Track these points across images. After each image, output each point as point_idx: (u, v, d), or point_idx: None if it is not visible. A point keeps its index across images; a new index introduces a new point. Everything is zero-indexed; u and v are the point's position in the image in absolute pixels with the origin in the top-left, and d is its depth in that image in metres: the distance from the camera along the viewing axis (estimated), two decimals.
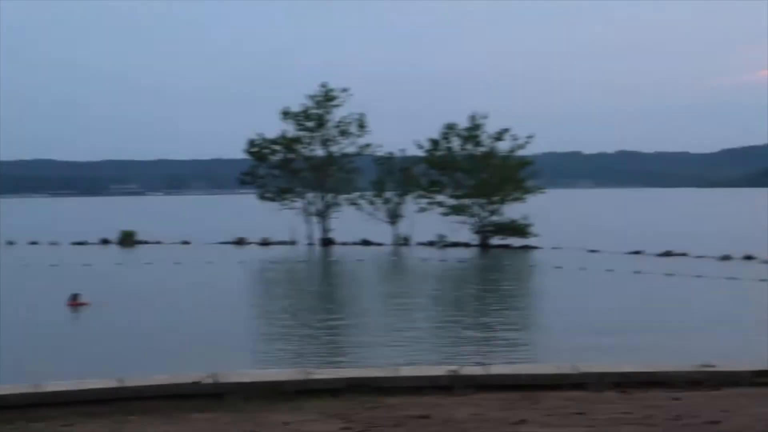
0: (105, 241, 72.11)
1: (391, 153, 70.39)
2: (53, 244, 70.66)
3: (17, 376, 16.14)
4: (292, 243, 68.43)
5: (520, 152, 67.11)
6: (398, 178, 69.20)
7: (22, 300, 35.63)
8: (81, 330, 29.16)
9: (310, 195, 70.82)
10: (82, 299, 33.02)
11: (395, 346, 23.68)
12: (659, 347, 22.52)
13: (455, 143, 67.12)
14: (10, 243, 71.58)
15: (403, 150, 70.51)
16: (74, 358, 22.02)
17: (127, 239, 71.48)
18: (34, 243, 71.61)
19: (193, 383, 10.60)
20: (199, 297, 36.16)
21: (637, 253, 52.83)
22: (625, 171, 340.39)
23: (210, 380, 10.67)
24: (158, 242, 70.56)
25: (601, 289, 38.41)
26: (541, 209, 64.55)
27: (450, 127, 67.21)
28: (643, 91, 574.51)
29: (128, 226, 74.12)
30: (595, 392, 10.41)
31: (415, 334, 25.94)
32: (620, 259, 49.53)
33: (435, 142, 67.21)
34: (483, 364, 12.46)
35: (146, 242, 71.04)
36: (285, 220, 68.69)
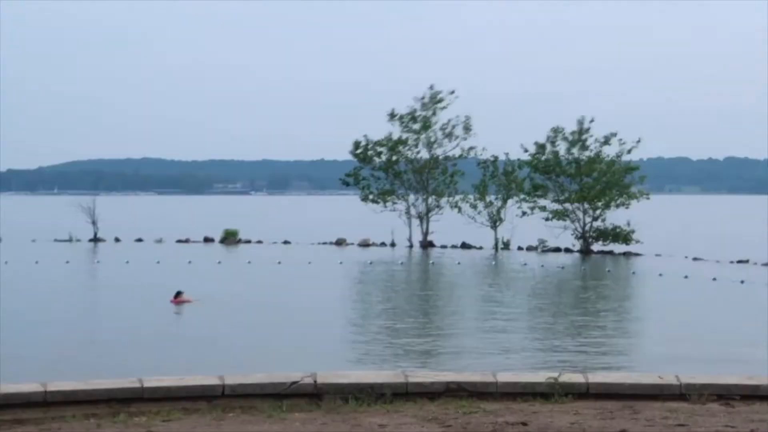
0: (208, 240, 73.27)
1: (495, 156, 70.14)
2: (158, 241, 72.02)
3: (120, 370, 16.45)
4: (392, 245, 68.68)
5: (627, 157, 66.32)
6: (501, 181, 68.86)
7: (127, 296, 36.39)
8: (183, 327, 29.67)
9: (412, 197, 70.90)
10: (185, 296, 33.62)
11: (492, 351, 23.59)
12: (764, 361, 22.01)
13: (561, 147, 66.45)
14: (117, 240, 73.17)
15: (507, 153, 70.22)
16: (176, 354, 22.41)
17: (230, 238, 72.50)
18: (139, 240, 73.06)
19: (292, 383, 10.72)
20: (298, 296, 36.50)
21: (743, 262, 51.75)
22: (734, 177, 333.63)
23: (309, 380, 10.78)
24: (259, 241, 71.47)
25: (704, 298, 37.72)
26: (645, 215, 63.62)
27: (557, 131, 66.53)
28: (754, 92, 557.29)
29: (231, 225, 75.15)
30: (698, 404, 10.24)
31: (512, 339, 25.81)
32: (725, 268, 48.61)
33: (541, 146, 66.57)
34: (582, 372, 12.35)
35: (248, 241, 72.01)
36: (386, 222, 68.91)
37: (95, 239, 73.01)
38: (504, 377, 11.00)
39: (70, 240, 72.09)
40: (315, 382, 10.75)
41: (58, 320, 29.19)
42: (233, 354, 22.21)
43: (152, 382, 10.90)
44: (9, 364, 20.68)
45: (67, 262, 52.65)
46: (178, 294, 33.72)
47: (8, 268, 48.71)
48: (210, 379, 11.02)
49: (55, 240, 71.63)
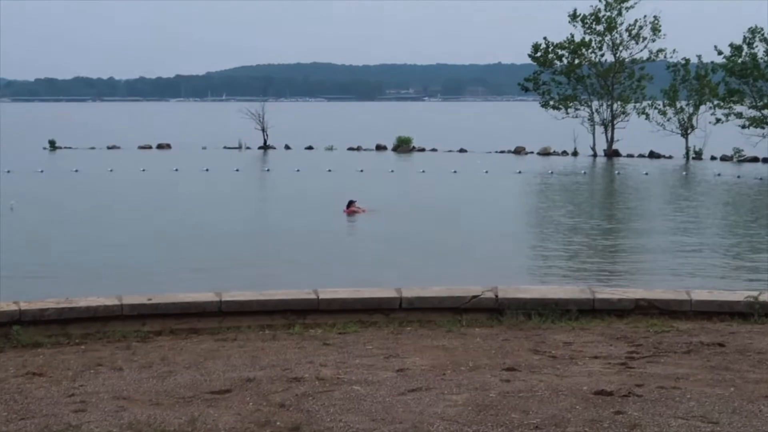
0: (380, 147, 73.85)
1: (686, 59, 68.26)
2: (329, 149, 73.05)
3: (294, 281, 16.84)
4: (574, 154, 67.90)
5: None
6: (693, 86, 67.06)
7: (298, 205, 37.04)
8: (355, 237, 30.07)
9: (595, 103, 69.87)
10: (358, 206, 34.02)
11: (682, 269, 23.15)
12: None
13: (760, 49, 64.10)
14: (287, 147, 74.51)
15: (699, 56, 68.24)
16: (350, 266, 22.75)
17: (403, 146, 72.84)
18: (309, 148, 74.26)
19: (473, 297, 10.76)
20: (474, 207, 36.49)
21: None
22: None
23: (490, 294, 10.81)
24: (434, 149, 71.63)
25: None
26: None
27: (754, 32, 64.15)
28: None
29: (404, 132, 75.44)
30: None
31: (705, 256, 25.26)
32: None
33: (737, 48, 64.32)
34: None
35: (422, 149, 72.22)
36: (567, 130, 68.08)
37: (265, 147, 74.52)
38: (699, 295, 10.81)
39: (239, 147, 73.76)
40: (496, 296, 10.77)
41: (229, 230, 29.95)
42: (408, 266, 22.42)
43: (327, 293, 11.11)
44: (183, 274, 21.42)
45: (237, 170, 53.89)
46: (350, 203, 34.15)
47: (178, 176, 50.23)
48: (387, 292, 11.16)
49: (225, 147, 73.42)
